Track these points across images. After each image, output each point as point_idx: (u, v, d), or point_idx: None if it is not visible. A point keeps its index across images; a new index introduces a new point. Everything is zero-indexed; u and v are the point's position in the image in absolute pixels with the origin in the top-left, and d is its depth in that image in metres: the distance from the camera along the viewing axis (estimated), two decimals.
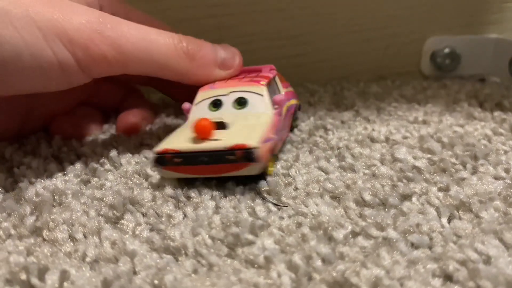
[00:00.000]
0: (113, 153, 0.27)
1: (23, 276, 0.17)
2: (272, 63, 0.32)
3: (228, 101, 0.26)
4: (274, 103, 0.26)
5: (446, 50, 0.48)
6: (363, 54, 0.48)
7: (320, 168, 0.26)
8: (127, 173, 0.26)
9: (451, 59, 0.48)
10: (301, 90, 0.43)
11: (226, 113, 0.26)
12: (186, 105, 0.27)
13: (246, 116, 0.25)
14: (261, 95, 0.26)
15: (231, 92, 0.27)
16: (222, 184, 0.24)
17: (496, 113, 0.34)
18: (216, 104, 0.27)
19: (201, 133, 0.23)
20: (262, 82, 0.27)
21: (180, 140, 0.23)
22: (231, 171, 0.23)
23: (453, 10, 0.48)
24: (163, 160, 0.23)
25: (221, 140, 0.23)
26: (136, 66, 0.26)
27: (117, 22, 0.25)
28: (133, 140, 0.30)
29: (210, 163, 0.22)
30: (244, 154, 0.22)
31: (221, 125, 0.24)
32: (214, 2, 0.43)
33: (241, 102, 0.26)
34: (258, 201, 0.22)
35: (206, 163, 0.22)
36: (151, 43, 0.26)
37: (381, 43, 0.48)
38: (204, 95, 0.27)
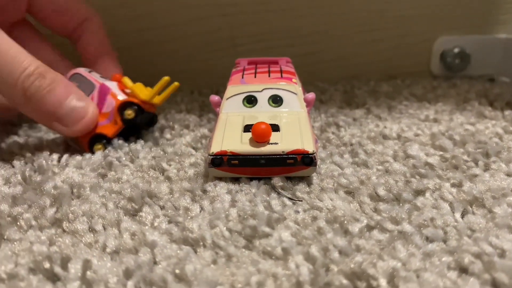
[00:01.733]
0: (130, 147, 0.28)
1: (47, 265, 0.18)
2: None
3: (262, 98, 0.27)
4: (305, 101, 0.27)
5: (456, 50, 0.48)
6: (373, 53, 0.48)
7: (334, 164, 0.26)
8: (142, 167, 0.26)
9: (460, 59, 0.48)
10: (312, 88, 0.43)
11: (263, 110, 0.26)
12: (214, 97, 0.27)
13: (287, 115, 0.26)
14: (295, 93, 0.27)
15: (264, 89, 0.27)
16: (237, 179, 0.24)
17: (507, 112, 0.34)
18: (251, 101, 0.27)
19: (262, 137, 0.23)
20: (294, 80, 0.28)
21: (235, 141, 0.24)
22: (286, 173, 0.24)
23: (463, 10, 0.48)
24: (220, 161, 0.23)
25: (279, 144, 0.23)
26: None
27: None
28: (150, 134, 0.31)
29: (267, 166, 0.23)
30: (304, 159, 0.23)
31: (274, 127, 0.25)
32: (226, 1, 0.43)
33: (276, 100, 0.27)
34: (273, 195, 0.23)
35: (263, 165, 0.23)
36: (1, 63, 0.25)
37: (391, 43, 0.48)
38: (235, 90, 0.27)
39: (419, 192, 0.23)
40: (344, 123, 0.33)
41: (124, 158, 0.27)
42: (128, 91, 0.30)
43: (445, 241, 0.19)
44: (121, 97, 0.29)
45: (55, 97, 0.27)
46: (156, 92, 0.29)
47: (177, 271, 0.17)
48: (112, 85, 0.30)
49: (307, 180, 0.24)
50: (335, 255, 0.18)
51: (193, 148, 0.30)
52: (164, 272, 0.17)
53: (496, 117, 0.34)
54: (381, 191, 0.22)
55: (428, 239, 0.19)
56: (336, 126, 0.32)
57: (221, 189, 0.23)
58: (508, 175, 0.24)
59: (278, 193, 0.23)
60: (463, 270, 0.17)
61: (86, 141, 0.29)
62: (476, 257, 0.17)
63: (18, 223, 0.21)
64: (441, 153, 0.27)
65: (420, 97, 0.40)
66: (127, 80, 0.30)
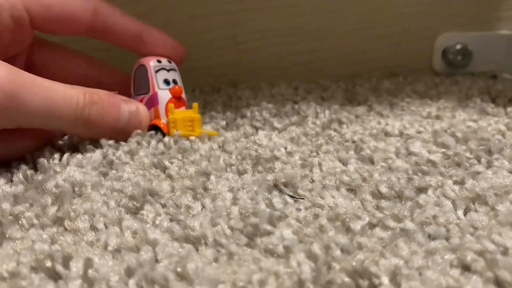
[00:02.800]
0: (130, 146, 0.28)
1: (48, 264, 0.18)
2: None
3: None
4: None
5: (458, 47, 0.48)
6: (375, 50, 0.48)
7: (336, 161, 0.26)
8: (144, 165, 0.26)
9: (463, 55, 0.48)
10: (314, 86, 0.43)
11: None
12: None
13: None
14: None
15: None
16: (238, 176, 0.24)
17: (510, 109, 0.34)
18: None
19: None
20: None
21: None
22: None
23: (465, 6, 0.48)
24: None
25: None
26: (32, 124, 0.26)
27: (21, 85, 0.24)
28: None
29: None
30: None
31: None
32: None
33: None
34: (275, 193, 0.23)
35: None
36: (53, 111, 0.26)
37: (392, 39, 0.48)
38: None
39: (421, 190, 0.22)
40: (347, 120, 0.33)
41: (124, 157, 0.27)
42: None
43: (447, 239, 0.19)
44: (163, 119, 0.30)
45: (111, 116, 0.28)
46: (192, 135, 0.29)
47: (178, 269, 0.17)
48: (162, 99, 0.30)
49: (309, 177, 0.24)
50: (337, 253, 0.18)
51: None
52: (166, 270, 0.17)
53: (499, 114, 0.34)
54: (383, 189, 0.22)
55: (431, 237, 0.19)
56: (339, 123, 0.32)
57: (223, 187, 0.23)
58: (511, 172, 0.24)
59: (280, 191, 0.23)
60: (466, 268, 0.17)
61: None
62: (479, 255, 0.17)
63: (19, 222, 0.21)
64: (443, 150, 0.27)
65: (422, 94, 0.40)
66: (171, 108, 0.30)
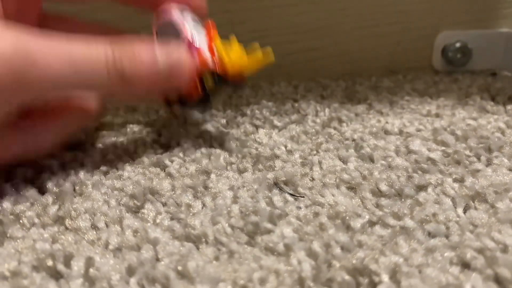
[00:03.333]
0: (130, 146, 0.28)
1: (50, 263, 0.18)
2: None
3: None
4: None
5: (458, 45, 0.48)
6: (374, 49, 0.48)
7: (336, 159, 0.26)
8: (144, 164, 0.26)
9: (462, 53, 0.48)
10: (313, 84, 0.43)
11: None
12: None
13: None
14: None
15: None
16: (239, 175, 0.24)
17: (509, 107, 0.34)
18: None
19: None
20: None
21: None
22: None
23: (465, 4, 0.48)
24: None
25: None
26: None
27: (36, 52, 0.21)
28: (150, 135, 0.31)
29: None
30: None
31: None
32: None
33: None
34: (275, 191, 0.23)
35: None
36: (80, 74, 0.22)
37: (392, 38, 0.48)
38: None
39: (421, 188, 0.23)
40: (346, 118, 0.33)
41: (125, 156, 0.27)
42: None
43: (447, 237, 0.19)
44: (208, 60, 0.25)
45: (147, 66, 0.23)
46: (247, 65, 0.25)
47: (179, 267, 0.17)
48: (202, 41, 0.26)
49: (309, 175, 0.24)
50: (337, 251, 0.18)
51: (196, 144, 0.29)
52: (167, 269, 0.17)
53: (498, 111, 0.34)
54: (383, 187, 0.22)
55: (430, 235, 0.19)
56: (338, 121, 0.32)
57: (223, 186, 0.23)
58: (511, 170, 0.24)
59: (280, 189, 0.23)
60: (466, 266, 0.17)
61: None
62: (479, 253, 0.17)
63: (20, 221, 0.21)
64: (443, 148, 0.27)
65: (422, 92, 0.40)
66: (218, 44, 0.26)
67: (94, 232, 0.20)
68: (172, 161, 0.26)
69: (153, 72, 0.24)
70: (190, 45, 0.26)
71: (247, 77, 0.26)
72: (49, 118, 0.25)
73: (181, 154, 0.27)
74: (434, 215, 0.20)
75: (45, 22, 0.28)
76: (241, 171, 0.25)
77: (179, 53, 0.25)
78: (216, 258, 0.18)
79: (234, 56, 0.25)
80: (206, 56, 0.25)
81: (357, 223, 0.19)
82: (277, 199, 0.22)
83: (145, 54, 0.23)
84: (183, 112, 0.30)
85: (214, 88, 0.25)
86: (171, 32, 0.27)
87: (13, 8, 0.25)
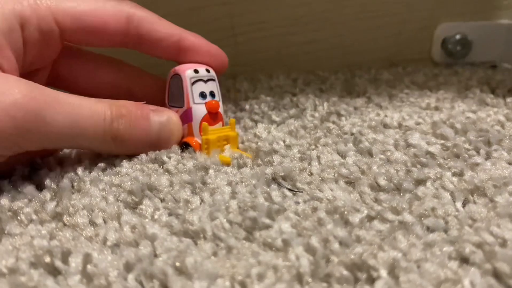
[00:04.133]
0: None
1: (47, 259, 0.18)
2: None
3: None
4: None
5: (457, 37, 0.48)
6: (374, 41, 0.48)
7: (335, 154, 0.26)
8: (141, 160, 0.26)
9: (462, 45, 0.48)
10: (312, 77, 0.43)
11: None
12: None
13: None
14: None
15: None
16: (237, 170, 0.24)
17: (509, 99, 0.34)
18: None
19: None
20: None
21: None
22: None
23: None
24: None
25: None
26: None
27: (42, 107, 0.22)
28: None
29: None
30: None
31: None
32: None
33: None
34: (274, 186, 0.23)
35: None
36: (79, 129, 0.23)
37: (392, 30, 0.48)
38: None
39: (420, 182, 0.22)
40: (345, 112, 0.32)
41: None
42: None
43: (446, 231, 0.19)
44: (197, 137, 0.27)
45: (140, 129, 0.26)
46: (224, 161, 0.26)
47: (177, 263, 0.17)
48: (197, 115, 0.27)
49: (308, 170, 0.24)
50: (335, 246, 0.18)
51: None
52: (165, 265, 0.17)
53: (498, 104, 0.34)
54: (382, 181, 0.22)
55: (429, 229, 0.19)
56: (337, 115, 0.32)
57: (221, 181, 0.23)
58: (510, 163, 0.24)
59: (279, 184, 0.23)
60: (464, 260, 0.17)
61: None
62: (477, 247, 0.17)
63: (18, 218, 0.21)
64: (442, 141, 0.27)
65: (421, 85, 0.39)
66: (205, 127, 0.27)
67: (92, 228, 0.20)
68: (169, 157, 0.25)
69: (145, 137, 0.26)
70: (188, 113, 0.27)
71: None
72: None
73: (178, 150, 0.27)
74: (433, 209, 0.20)
75: (62, 58, 0.29)
76: (239, 166, 0.25)
77: (172, 125, 0.27)
78: (214, 254, 0.18)
79: (211, 150, 0.27)
80: (194, 133, 0.27)
81: (355, 218, 0.19)
82: (275, 194, 0.22)
83: (141, 121, 0.25)
84: None
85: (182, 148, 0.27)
86: (178, 89, 0.28)
87: (32, 54, 0.26)
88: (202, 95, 0.27)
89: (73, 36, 0.26)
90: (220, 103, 0.28)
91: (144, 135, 0.26)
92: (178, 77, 0.28)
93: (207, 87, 0.27)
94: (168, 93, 0.29)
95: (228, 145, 0.27)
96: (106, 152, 0.26)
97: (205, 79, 0.28)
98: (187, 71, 0.27)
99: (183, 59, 0.28)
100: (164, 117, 0.26)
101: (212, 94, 0.28)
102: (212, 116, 0.27)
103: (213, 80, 0.28)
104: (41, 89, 0.22)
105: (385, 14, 0.47)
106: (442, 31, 0.48)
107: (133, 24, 0.27)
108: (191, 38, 0.28)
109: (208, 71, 0.28)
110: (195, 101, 0.27)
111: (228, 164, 0.26)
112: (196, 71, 0.27)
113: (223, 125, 0.28)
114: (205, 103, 0.27)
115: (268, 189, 0.22)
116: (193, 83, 0.27)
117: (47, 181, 0.24)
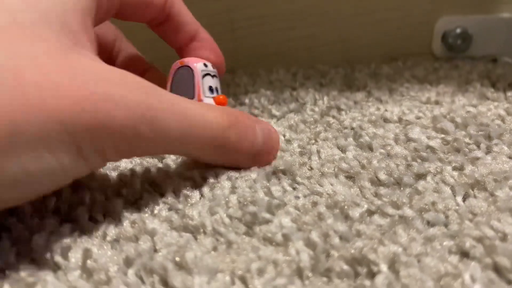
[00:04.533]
0: None
1: (47, 254, 0.18)
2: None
3: None
4: None
5: (458, 30, 0.47)
6: (374, 35, 0.48)
7: (335, 148, 0.26)
8: None
9: (462, 39, 0.48)
10: (312, 72, 0.43)
11: None
12: None
13: None
14: None
15: None
16: None
17: (510, 93, 0.34)
18: None
19: None
20: None
21: None
22: None
23: None
24: None
25: None
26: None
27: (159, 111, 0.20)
28: None
29: None
30: None
31: None
32: None
33: None
34: (274, 181, 0.23)
35: None
36: (191, 137, 0.21)
37: (392, 24, 0.48)
38: None
39: (420, 176, 0.22)
40: (345, 106, 0.32)
41: None
42: None
43: (446, 225, 0.19)
44: None
45: (248, 140, 0.23)
46: None
47: (177, 258, 0.17)
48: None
49: (308, 164, 0.24)
50: (336, 240, 0.18)
51: None
52: (165, 260, 0.17)
53: (499, 98, 0.34)
54: (382, 176, 0.22)
55: (429, 224, 0.19)
56: (337, 110, 0.32)
57: (221, 176, 0.23)
58: (511, 157, 0.24)
59: (279, 179, 0.23)
60: (465, 254, 0.17)
61: None
62: (478, 241, 0.17)
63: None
64: (442, 136, 0.27)
65: (421, 79, 0.39)
66: None
67: (92, 223, 0.20)
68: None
69: (251, 148, 0.24)
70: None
71: None
72: None
73: None
74: (433, 203, 0.20)
75: None
76: None
77: (274, 136, 0.25)
78: (214, 249, 0.18)
79: None
80: None
81: (355, 213, 0.19)
82: (275, 189, 0.22)
83: (249, 131, 0.23)
84: None
85: None
86: (187, 81, 0.27)
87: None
88: (211, 89, 0.27)
89: (124, 7, 0.25)
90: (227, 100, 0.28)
91: (250, 146, 0.24)
92: (187, 69, 0.27)
93: (214, 82, 0.27)
94: (171, 85, 0.28)
95: None
96: (210, 162, 0.24)
97: (212, 74, 0.27)
98: (197, 64, 0.27)
99: (192, 50, 0.28)
100: (266, 128, 0.25)
101: (217, 90, 0.28)
102: None
103: (217, 77, 0.28)
104: (155, 90, 0.20)
105: (384, 8, 0.47)
106: (442, 25, 0.48)
107: (168, 3, 0.27)
108: (204, 33, 0.29)
109: (213, 67, 0.28)
110: (205, 95, 0.27)
111: None
112: (205, 65, 0.27)
113: None
114: (214, 98, 0.27)
115: (268, 184, 0.22)
116: (203, 76, 0.27)
117: None
